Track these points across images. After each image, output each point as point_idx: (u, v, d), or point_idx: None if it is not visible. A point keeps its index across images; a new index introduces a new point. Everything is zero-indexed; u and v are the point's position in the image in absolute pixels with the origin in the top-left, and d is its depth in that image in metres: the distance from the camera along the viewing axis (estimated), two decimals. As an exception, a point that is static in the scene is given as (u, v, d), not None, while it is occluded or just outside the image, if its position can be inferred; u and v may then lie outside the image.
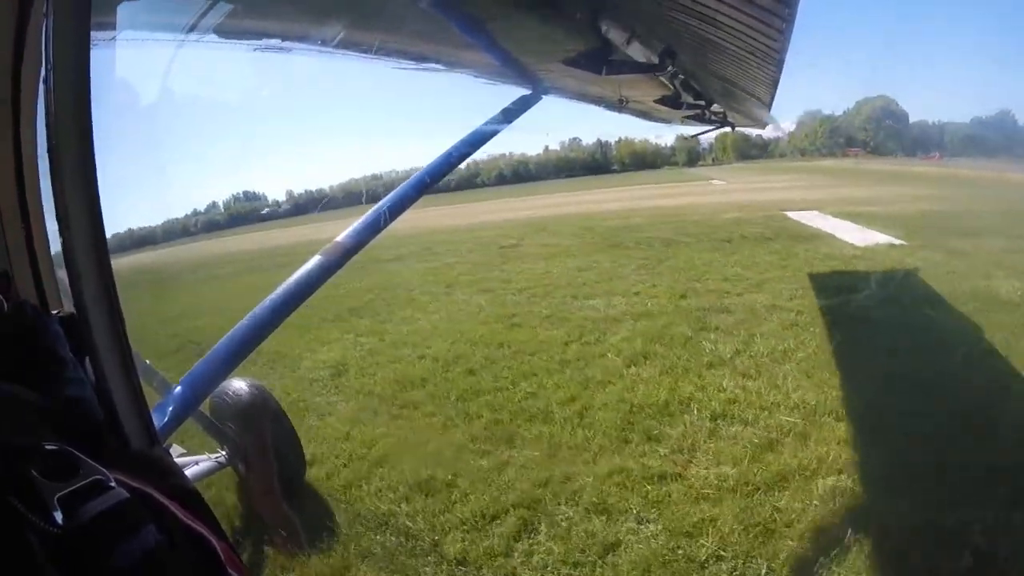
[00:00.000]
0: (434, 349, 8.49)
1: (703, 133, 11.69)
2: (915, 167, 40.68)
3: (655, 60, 4.86)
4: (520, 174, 49.50)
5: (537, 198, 38.21)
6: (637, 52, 4.70)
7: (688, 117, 9.31)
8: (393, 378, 7.52)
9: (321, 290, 3.86)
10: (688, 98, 6.93)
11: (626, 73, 4.86)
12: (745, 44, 4.57)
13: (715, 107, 8.59)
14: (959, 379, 5.96)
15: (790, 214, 19.75)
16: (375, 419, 6.39)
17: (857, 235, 14.56)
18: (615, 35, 4.43)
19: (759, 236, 15.34)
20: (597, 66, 4.60)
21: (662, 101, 6.98)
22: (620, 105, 7.78)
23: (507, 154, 53.22)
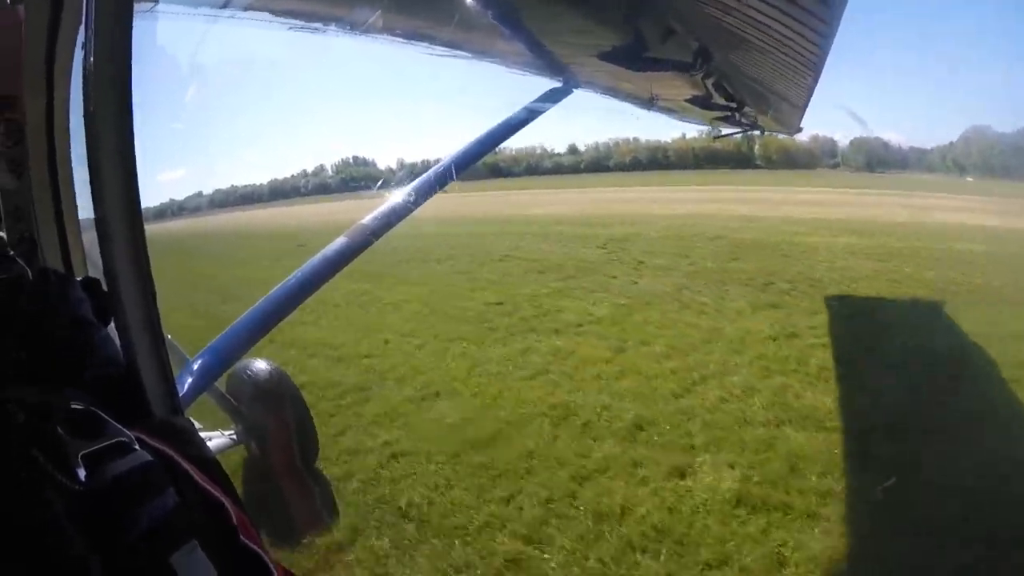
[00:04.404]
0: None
1: (731, 135, 11.54)
2: None
3: (689, 59, 4.81)
4: (658, 161, 44.41)
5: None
6: (672, 50, 4.64)
7: (718, 119, 9.20)
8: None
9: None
10: (720, 99, 6.85)
11: (660, 70, 4.82)
12: (783, 47, 4.51)
13: (747, 110, 8.48)
14: None
15: None
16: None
17: None
18: (650, 31, 4.39)
19: None
20: (631, 62, 4.56)
21: (693, 101, 6.90)
22: (650, 103, 7.71)
23: (632, 139, 48.58)
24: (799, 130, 12.25)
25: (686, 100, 7.05)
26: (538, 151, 46.73)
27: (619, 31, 4.46)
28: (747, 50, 5.08)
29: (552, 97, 5.69)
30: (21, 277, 1.22)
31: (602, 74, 5.89)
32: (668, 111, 9.61)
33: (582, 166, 46.18)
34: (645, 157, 44.99)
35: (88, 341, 1.18)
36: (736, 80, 6.49)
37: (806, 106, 7.89)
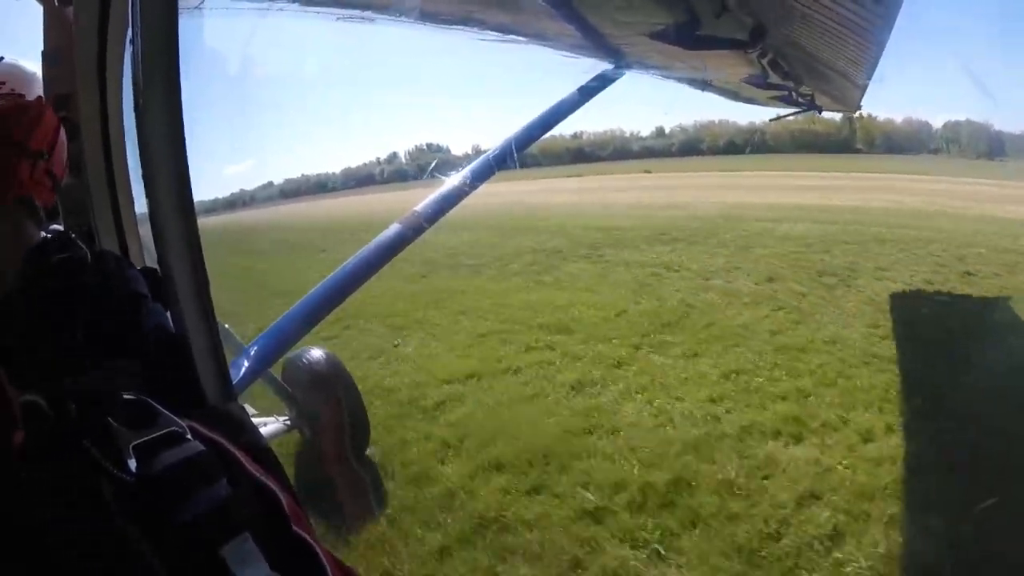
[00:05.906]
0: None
1: (788, 116, 11.21)
2: None
3: (744, 36, 4.67)
4: (754, 144, 41.00)
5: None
6: (726, 27, 4.50)
7: (774, 98, 8.94)
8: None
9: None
10: (776, 78, 6.64)
11: (715, 48, 4.68)
12: (844, 19, 4.33)
13: (803, 88, 8.21)
14: None
15: None
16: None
17: None
18: (704, 8, 4.26)
19: None
20: (686, 40, 4.43)
21: (749, 80, 6.72)
22: (704, 83, 7.54)
23: (716, 121, 45.40)
24: (859, 108, 11.88)
25: (742, 80, 6.87)
26: (619, 135, 45.19)
27: (671, 8, 4.34)
28: (805, 24, 4.90)
29: (604, 79, 5.60)
30: (83, 259, 1.25)
31: (654, 54, 5.76)
32: (723, 91, 9.39)
33: (674, 149, 44.42)
34: (740, 140, 42.80)
35: (147, 323, 1.21)
36: (793, 57, 6.28)
37: (867, 83, 7.60)
